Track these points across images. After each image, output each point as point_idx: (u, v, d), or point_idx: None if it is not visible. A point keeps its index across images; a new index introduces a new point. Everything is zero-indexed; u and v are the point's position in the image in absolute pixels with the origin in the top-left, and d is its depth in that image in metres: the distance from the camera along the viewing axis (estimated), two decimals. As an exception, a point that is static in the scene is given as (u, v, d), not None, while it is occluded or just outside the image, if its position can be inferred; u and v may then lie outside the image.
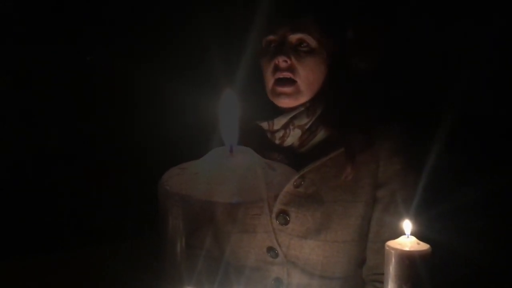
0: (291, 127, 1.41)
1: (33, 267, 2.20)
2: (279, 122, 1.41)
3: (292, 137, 1.42)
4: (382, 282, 1.32)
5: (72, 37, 2.37)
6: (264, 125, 1.43)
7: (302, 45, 1.37)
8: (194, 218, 1.52)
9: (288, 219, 1.38)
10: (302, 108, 1.40)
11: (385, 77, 1.54)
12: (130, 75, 2.42)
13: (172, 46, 2.46)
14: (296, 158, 1.42)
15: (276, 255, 1.40)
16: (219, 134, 1.42)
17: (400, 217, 1.31)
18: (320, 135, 1.42)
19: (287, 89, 1.38)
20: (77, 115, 2.47)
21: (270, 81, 1.40)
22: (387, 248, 1.04)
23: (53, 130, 2.41)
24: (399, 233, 1.33)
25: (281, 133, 1.42)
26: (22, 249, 2.25)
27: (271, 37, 1.40)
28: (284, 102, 1.40)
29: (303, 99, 1.39)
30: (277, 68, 1.37)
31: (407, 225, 1.07)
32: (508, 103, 2.01)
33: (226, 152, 1.38)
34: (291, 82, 1.37)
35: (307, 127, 1.41)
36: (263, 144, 1.45)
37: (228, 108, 1.17)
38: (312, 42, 1.37)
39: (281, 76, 1.37)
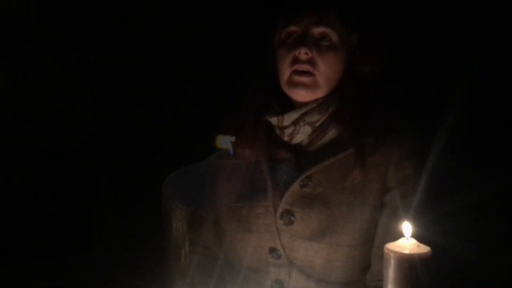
0: (301, 123, 1.38)
1: (29, 271, 2.20)
2: (289, 118, 1.38)
3: (302, 135, 1.39)
4: None
5: (73, 35, 2.38)
6: (274, 120, 1.41)
7: (324, 40, 1.36)
8: (197, 217, 1.52)
9: (293, 219, 1.35)
10: (314, 105, 1.38)
11: (396, 80, 1.53)
12: (132, 74, 2.42)
13: (177, 45, 2.45)
14: (304, 156, 1.40)
15: (279, 256, 1.37)
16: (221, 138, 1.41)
17: None
18: (330, 134, 1.39)
19: (305, 79, 1.35)
20: (76, 115, 2.48)
21: (286, 72, 1.37)
22: (386, 250, 1.01)
23: (53, 131, 2.42)
24: None
25: (290, 130, 1.39)
26: (17, 254, 2.25)
27: (293, 28, 1.37)
28: (301, 94, 1.37)
29: (320, 93, 1.37)
30: (296, 60, 1.35)
31: (406, 227, 1.04)
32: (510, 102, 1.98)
33: (229, 155, 1.38)
34: (309, 74, 1.35)
35: (317, 124, 1.39)
36: (271, 141, 1.43)
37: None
38: (334, 37, 1.35)
39: (299, 69, 1.35)
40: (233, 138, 1.38)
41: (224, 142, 1.38)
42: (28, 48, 2.34)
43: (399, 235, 1.29)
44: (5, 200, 2.30)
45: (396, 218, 1.32)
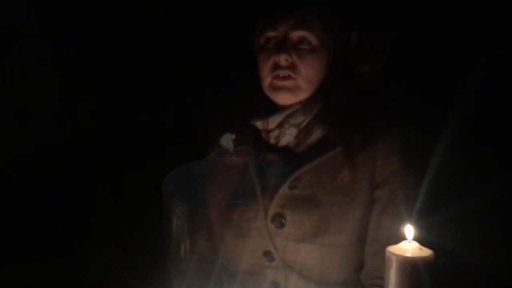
0: (286, 125, 1.38)
1: (29, 271, 2.19)
2: (274, 121, 1.38)
3: (288, 137, 1.39)
4: (381, 286, 1.30)
5: (73, 35, 2.38)
6: (259, 124, 1.41)
7: (303, 43, 1.35)
8: (193, 220, 1.52)
9: (284, 222, 1.35)
10: (298, 106, 1.38)
11: (386, 76, 1.52)
12: (132, 74, 2.42)
13: (178, 45, 2.44)
14: (291, 158, 1.40)
15: (273, 259, 1.37)
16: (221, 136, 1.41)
17: (399, 219, 1.28)
18: (317, 134, 1.39)
19: (287, 83, 1.35)
20: (76, 115, 2.48)
21: (267, 77, 1.37)
22: (387, 254, 1.00)
23: (50, 130, 2.42)
24: (397, 235, 1.31)
25: (276, 133, 1.39)
26: (17, 254, 2.24)
27: (271, 33, 1.37)
28: (283, 98, 1.37)
29: (303, 95, 1.37)
30: (276, 66, 1.35)
31: (409, 229, 1.03)
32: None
33: (228, 153, 1.37)
34: (290, 78, 1.35)
35: (303, 125, 1.38)
36: (258, 144, 1.43)
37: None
38: (313, 40, 1.35)
39: (280, 75, 1.35)
40: (233, 136, 1.37)
41: (226, 140, 1.37)
42: (28, 48, 2.34)
43: (391, 232, 1.30)
44: (5, 200, 2.29)
45: (386, 214, 1.33)
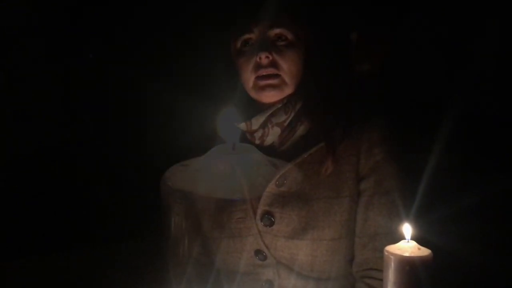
0: (269, 125, 1.39)
1: (23, 268, 2.19)
2: (257, 122, 1.39)
3: (272, 136, 1.41)
4: (372, 277, 1.34)
5: (72, 34, 2.38)
6: (242, 126, 1.41)
7: (280, 40, 1.37)
8: (191, 218, 1.52)
9: (273, 220, 1.37)
10: (280, 105, 1.39)
11: (395, 79, 1.52)
12: (129, 75, 2.41)
13: (178, 45, 2.44)
14: (277, 157, 1.40)
15: (265, 258, 1.38)
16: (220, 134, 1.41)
17: (385, 210, 1.33)
18: (300, 131, 1.41)
19: (272, 81, 1.37)
20: (73, 114, 2.48)
21: (250, 79, 1.38)
22: (386, 253, 1.00)
23: (50, 130, 2.41)
24: (384, 226, 1.32)
25: (260, 133, 1.41)
26: (14, 250, 2.24)
27: (247, 35, 1.39)
28: (270, 95, 1.38)
29: (288, 90, 1.39)
30: (258, 66, 1.36)
31: (407, 229, 1.03)
32: (510, 103, 1.98)
33: (228, 149, 1.37)
34: (274, 75, 1.37)
35: (286, 124, 1.40)
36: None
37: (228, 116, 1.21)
38: (289, 35, 1.37)
39: (264, 73, 1.36)
40: (237, 129, 1.36)
41: (225, 130, 1.36)
42: (28, 48, 2.34)
43: (377, 223, 1.32)
44: (5, 199, 2.29)
45: (372, 205, 1.35)
